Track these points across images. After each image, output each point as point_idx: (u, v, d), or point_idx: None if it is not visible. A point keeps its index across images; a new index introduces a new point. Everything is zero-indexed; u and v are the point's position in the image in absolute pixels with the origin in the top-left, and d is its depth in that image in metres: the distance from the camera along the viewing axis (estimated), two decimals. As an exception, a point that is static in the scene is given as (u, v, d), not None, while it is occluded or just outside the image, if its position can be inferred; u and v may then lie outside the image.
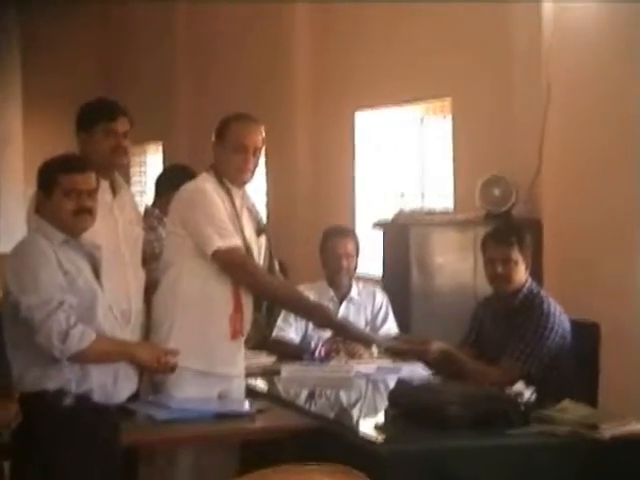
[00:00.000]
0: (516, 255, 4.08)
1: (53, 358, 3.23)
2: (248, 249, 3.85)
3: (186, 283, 3.80)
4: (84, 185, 3.39)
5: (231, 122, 3.93)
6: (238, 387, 3.94)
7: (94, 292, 3.34)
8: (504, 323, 4.13)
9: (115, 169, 3.83)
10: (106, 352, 3.34)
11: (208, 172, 3.93)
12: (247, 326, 3.88)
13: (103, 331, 3.33)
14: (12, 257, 3.36)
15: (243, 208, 3.94)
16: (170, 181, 4.55)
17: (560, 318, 4.06)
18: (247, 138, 3.88)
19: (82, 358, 3.26)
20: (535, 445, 3.42)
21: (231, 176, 3.88)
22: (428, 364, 4.09)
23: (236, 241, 3.80)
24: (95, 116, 3.77)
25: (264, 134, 3.98)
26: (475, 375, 3.94)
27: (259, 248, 3.95)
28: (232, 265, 3.79)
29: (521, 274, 4.10)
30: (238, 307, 3.80)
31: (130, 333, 3.53)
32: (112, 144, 3.73)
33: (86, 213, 3.38)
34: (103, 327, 3.34)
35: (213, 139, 4.00)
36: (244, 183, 3.95)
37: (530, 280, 4.15)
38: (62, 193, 3.36)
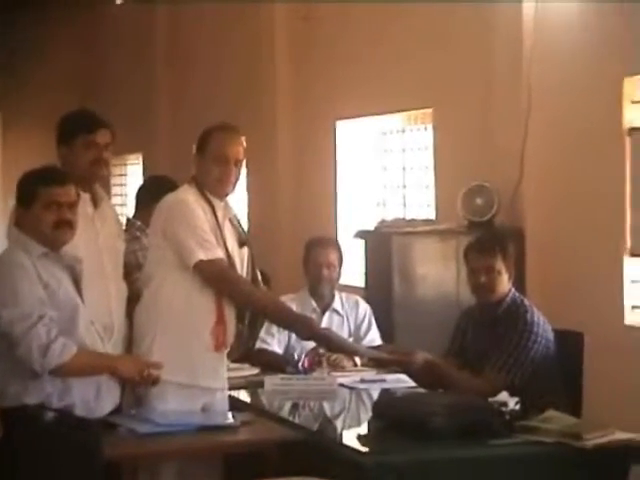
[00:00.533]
0: (499, 265, 4.08)
1: (33, 372, 3.20)
2: (230, 260, 3.83)
3: (168, 295, 3.78)
4: (64, 197, 3.36)
5: (212, 133, 3.91)
6: (221, 399, 3.92)
7: (75, 305, 3.32)
8: (487, 333, 4.13)
9: (96, 181, 3.80)
10: (88, 365, 3.31)
11: (189, 184, 3.91)
12: (230, 338, 3.86)
13: (84, 345, 3.31)
14: None
15: (225, 219, 3.92)
16: (151, 192, 4.53)
17: (544, 327, 4.05)
18: (228, 149, 3.86)
19: (63, 372, 3.23)
20: (519, 455, 3.43)
21: (212, 187, 3.87)
22: (411, 375, 4.08)
23: (218, 253, 3.78)
24: (75, 128, 3.75)
25: (245, 145, 3.97)
26: (459, 385, 3.93)
27: (241, 259, 3.93)
28: (214, 277, 3.77)
29: (504, 284, 4.10)
30: (221, 319, 3.79)
31: (112, 347, 3.50)
32: (92, 156, 3.70)
33: (66, 226, 3.35)
34: (84, 341, 3.31)
35: (194, 150, 3.98)
36: (226, 194, 3.93)
37: (513, 290, 4.15)
38: (42, 206, 3.33)
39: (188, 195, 3.84)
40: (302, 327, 3.90)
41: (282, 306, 4.07)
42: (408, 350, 4.08)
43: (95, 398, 3.35)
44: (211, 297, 3.79)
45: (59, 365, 3.20)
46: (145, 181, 6.28)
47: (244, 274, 3.92)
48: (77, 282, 3.38)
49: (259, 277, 4.01)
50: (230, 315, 3.84)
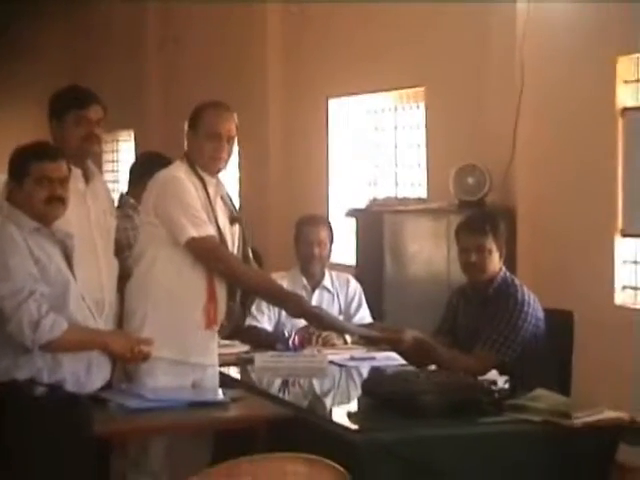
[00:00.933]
0: (490, 244, 4.08)
1: (24, 347, 3.20)
2: (222, 238, 3.83)
3: (159, 272, 3.77)
4: (56, 173, 3.36)
5: (204, 110, 3.90)
6: (212, 376, 3.92)
7: (66, 281, 3.31)
8: (478, 312, 4.14)
9: (87, 157, 3.79)
10: (78, 341, 3.31)
11: (181, 160, 3.90)
12: (221, 315, 3.86)
13: (76, 320, 3.31)
14: None
15: (217, 197, 3.91)
16: (144, 169, 4.51)
17: (534, 307, 4.06)
18: (220, 126, 3.85)
19: (54, 347, 3.23)
20: (508, 433, 3.44)
21: (204, 164, 3.86)
22: (401, 353, 4.09)
23: (210, 230, 3.77)
24: (67, 104, 3.73)
25: (237, 122, 3.96)
26: (449, 363, 3.94)
27: (233, 237, 3.93)
28: (206, 254, 3.77)
29: (495, 263, 4.10)
30: (212, 296, 3.79)
31: (103, 323, 3.50)
32: (84, 132, 3.69)
33: (58, 201, 3.35)
34: (75, 316, 3.31)
35: (186, 127, 3.97)
36: (217, 171, 3.92)
37: (504, 269, 4.16)
38: (34, 181, 3.32)
39: (180, 172, 3.83)
40: (293, 305, 3.90)
41: (273, 283, 4.07)
42: (398, 328, 4.08)
43: (86, 373, 3.35)
44: (202, 274, 3.79)
45: (50, 340, 3.20)
46: (138, 157, 6.27)
47: (235, 251, 3.92)
48: (68, 258, 3.37)
49: (250, 255, 4.00)
50: (221, 292, 3.84)
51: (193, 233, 3.73)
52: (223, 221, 3.89)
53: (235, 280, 3.85)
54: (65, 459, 3.22)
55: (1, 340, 3.22)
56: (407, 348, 4.01)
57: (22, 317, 3.16)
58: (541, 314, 4.08)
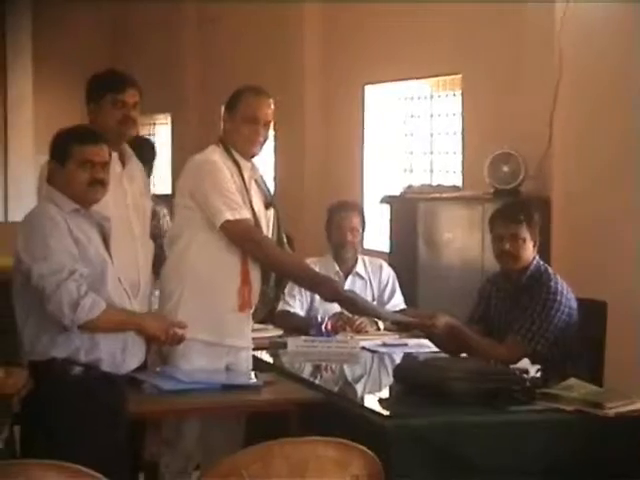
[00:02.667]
0: (524, 233, 4.07)
1: (62, 327, 3.24)
2: (257, 221, 3.85)
3: (195, 255, 3.81)
4: (98, 157, 3.40)
5: (243, 93, 3.93)
6: (245, 359, 3.95)
7: (104, 262, 3.35)
8: (511, 300, 4.13)
9: (124, 140, 3.82)
10: (115, 322, 3.35)
11: (216, 144, 3.93)
12: (255, 298, 3.89)
13: (112, 302, 3.34)
14: (23, 225, 3.36)
15: (252, 180, 3.94)
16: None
17: (567, 296, 4.06)
18: (258, 110, 3.88)
19: (92, 327, 3.27)
20: (540, 422, 3.44)
21: (240, 148, 3.88)
22: (433, 339, 4.10)
23: (245, 213, 3.80)
24: (103, 87, 3.77)
25: (273, 108, 3.98)
26: (481, 351, 3.94)
27: (267, 221, 3.95)
28: (241, 237, 3.80)
29: (529, 252, 4.10)
30: (246, 279, 3.81)
31: (139, 305, 3.53)
32: (120, 115, 3.72)
33: (99, 185, 3.39)
34: (112, 298, 3.35)
35: (223, 111, 3.99)
36: (253, 155, 3.95)
37: (538, 258, 4.15)
38: (76, 164, 3.36)
39: (215, 155, 3.86)
40: (327, 289, 3.92)
41: (307, 267, 4.09)
42: (431, 313, 4.09)
43: (121, 354, 3.38)
44: (237, 257, 3.82)
45: (88, 321, 3.23)
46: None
47: (270, 235, 3.94)
48: (106, 240, 3.41)
49: (284, 239, 4.03)
50: (255, 276, 3.86)
51: (228, 216, 3.75)
52: (258, 205, 3.91)
53: (269, 263, 3.88)
54: (99, 438, 3.26)
55: (40, 319, 3.26)
56: (439, 334, 4.01)
57: (62, 297, 3.19)
58: (574, 304, 4.08)
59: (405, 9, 7.39)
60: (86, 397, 3.27)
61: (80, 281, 3.23)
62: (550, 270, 4.15)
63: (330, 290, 3.91)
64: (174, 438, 3.87)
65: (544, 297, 4.01)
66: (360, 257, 5.05)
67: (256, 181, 3.97)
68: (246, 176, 3.89)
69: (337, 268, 4.98)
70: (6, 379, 2.97)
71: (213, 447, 3.90)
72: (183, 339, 3.56)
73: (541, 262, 4.16)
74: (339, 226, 4.97)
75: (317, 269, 4.64)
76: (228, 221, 3.75)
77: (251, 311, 3.91)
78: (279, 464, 2.80)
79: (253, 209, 3.85)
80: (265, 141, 3.95)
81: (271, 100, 3.97)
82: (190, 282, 3.79)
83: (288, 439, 2.92)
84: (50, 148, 3.44)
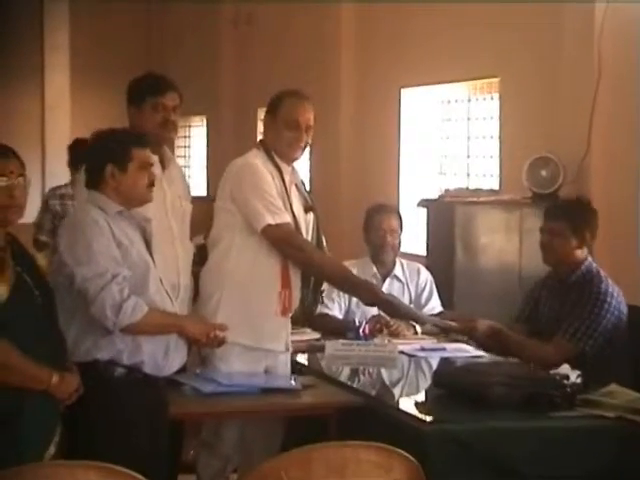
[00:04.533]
0: (561, 228, 4.10)
1: (105, 329, 3.26)
2: (297, 226, 3.86)
3: (235, 258, 3.82)
4: (151, 159, 3.45)
5: (284, 98, 3.93)
6: (284, 362, 3.96)
7: (147, 264, 3.37)
8: (560, 299, 4.13)
9: (164, 143, 3.85)
10: (158, 325, 3.37)
11: (257, 148, 3.94)
12: (295, 303, 3.89)
13: (154, 304, 3.36)
14: (66, 228, 3.39)
15: (292, 185, 3.94)
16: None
17: (617, 299, 4.04)
18: (300, 115, 3.89)
19: (134, 330, 3.29)
20: (581, 428, 3.42)
21: (281, 152, 3.89)
22: (476, 340, 4.10)
23: (286, 217, 3.81)
24: (144, 90, 3.80)
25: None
26: (527, 351, 3.93)
27: (307, 225, 3.96)
28: (281, 241, 3.80)
29: (569, 248, 4.10)
30: (287, 283, 3.82)
31: (179, 306, 3.55)
32: (160, 118, 3.75)
33: (152, 186, 3.43)
34: (154, 300, 3.36)
35: (264, 115, 4.00)
36: (294, 159, 3.95)
37: (590, 259, 4.16)
38: (137, 167, 3.38)
39: (256, 159, 3.87)
40: (366, 292, 3.92)
41: (347, 271, 4.09)
42: (471, 317, 4.08)
43: (164, 357, 3.40)
44: (278, 261, 3.82)
45: (130, 324, 3.25)
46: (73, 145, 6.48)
47: (309, 239, 3.95)
48: (148, 242, 3.42)
49: (324, 243, 4.03)
50: (296, 280, 3.87)
51: (269, 220, 3.76)
52: (298, 209, 3.92)
53: (310, 268, 3.88)
54: (140, 440, 3.28)
55: (83, 321, 3.28)
56: (481, 336, 4.01)
57: (105, 300, 3.22)
58: (624, 307, 4.06)
59: (443, 11, 7.37)
60: (128, 399, 3.29)
61: (123, 284, 3.25)
62: (602, 273, 4.14)
63: (369, 293, 3.91)
64: (213, 440, 3.88)
65: (594, 297, 4.00)
66: (398, 260, 5.04)
67: (296, 185, 3.98)
68: (287, 180, 3.90)
69: (375, 270, 4.98)
70: (60, 384, 2.99)
71: (252, 450, 3.92)
72: (224, 342, 3.57)
73: (594, 264, 4.16)
74: (377, 228, 4.96)
75: (355, 271, 4.62)
76: (269, 225, 3.76)
77: (291, 315, 3.92)
78: (319, 468, 2.80)
79: (294, 213, 3.86)
80: (306, 146, 3.95)
81: (311, 105, 3.98)
82: (230, 285, 3.80)
83: (329, 443, 2.93)
84: (105, 152, 3.42)
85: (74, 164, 6.27)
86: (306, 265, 3.87)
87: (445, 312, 4.92)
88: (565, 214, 4.14)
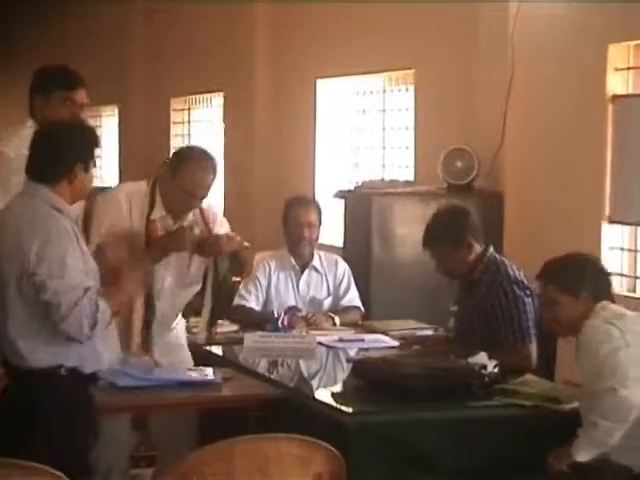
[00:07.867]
0: (444, 252, 4.12)
1: (67, 338, 3.14)
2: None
3: None
4: None
5: (188, 162, 3.93)
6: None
7: (95, 270, 3.26)
8: (471, 295, 4.15)
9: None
10: (115, 312, 3.26)
11: (147, 183, 3.97)
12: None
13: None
14: (35, 233, 3.12)
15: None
16: None
17: (525, 283, 4.08)
18: (199, 188, 3.93)
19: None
20: (498, 417, 3.48)
21: (175, 211, 3.96)
22: None
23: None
24: (54, 82, 3.82)
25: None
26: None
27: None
28: None
29: (462, 260, 4.11)
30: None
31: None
32: (69, 113, 3.75)
33: None
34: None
35: (165, 167, 3.99)
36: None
37: (491, 251, 4.16)
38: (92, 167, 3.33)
39: (131, 189, 3.97)
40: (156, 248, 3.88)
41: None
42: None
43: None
44: None
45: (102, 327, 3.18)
46: None
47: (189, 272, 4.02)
48: (78, 239, 3.25)
49: (226, 263, 4.03)
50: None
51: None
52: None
53: None
54: (75, 427, 3.18)
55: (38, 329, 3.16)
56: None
57: (81, 316, 3.08)
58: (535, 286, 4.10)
59: (359, 2, 7.38)
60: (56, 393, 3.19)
61: (93, 297, 3.13)
62: (506, 260, 4.21)
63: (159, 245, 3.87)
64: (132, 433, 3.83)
65: (510, 291, 4.03)
66: (316, 252, 5.04)
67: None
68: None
69: (293, 262, 4.97)
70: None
71: (169, 443, 3.87)
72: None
73: (494, 254, 4.18)
74: (296, 221, 4.94)
75: (273, 262, 4.83)
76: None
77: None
78: (242, 462, 2.79)
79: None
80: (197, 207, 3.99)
81: (215, 168, 3.97)
82: None
83: (251, 436, 2.91)
84: (77, 150, 3.23)
85: None
86: None
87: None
88: (439, 239, 4.15)
